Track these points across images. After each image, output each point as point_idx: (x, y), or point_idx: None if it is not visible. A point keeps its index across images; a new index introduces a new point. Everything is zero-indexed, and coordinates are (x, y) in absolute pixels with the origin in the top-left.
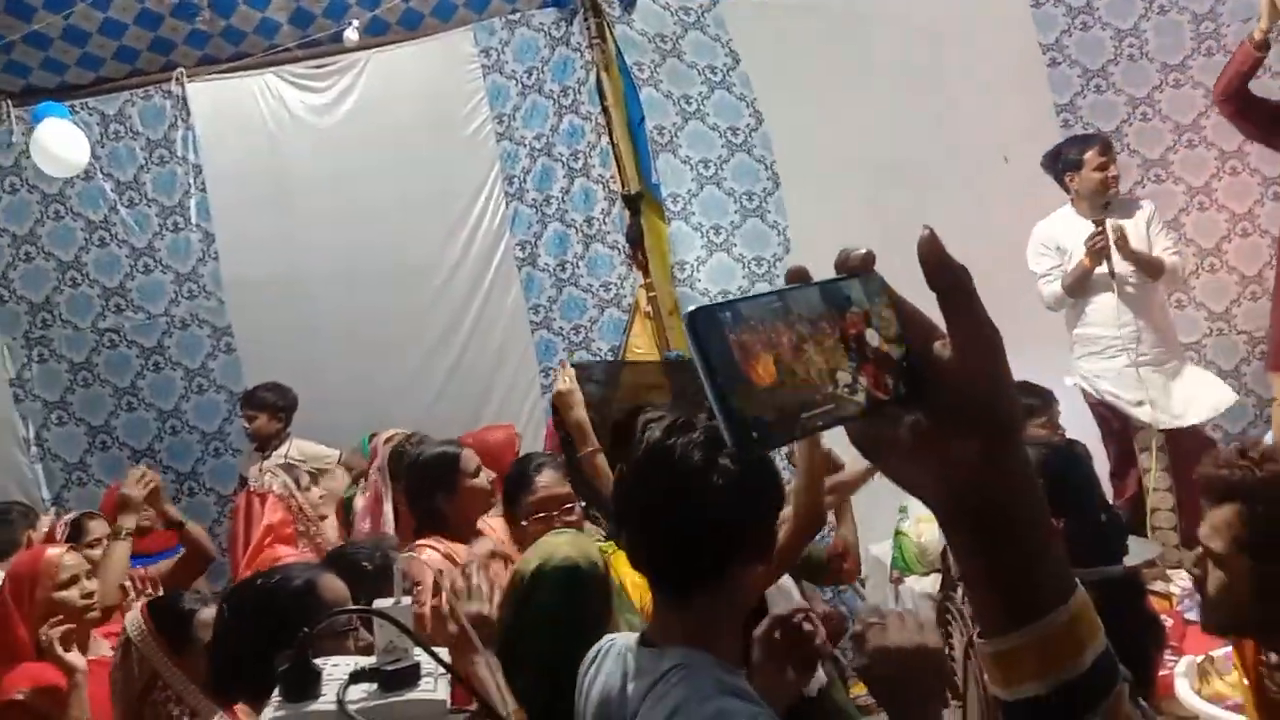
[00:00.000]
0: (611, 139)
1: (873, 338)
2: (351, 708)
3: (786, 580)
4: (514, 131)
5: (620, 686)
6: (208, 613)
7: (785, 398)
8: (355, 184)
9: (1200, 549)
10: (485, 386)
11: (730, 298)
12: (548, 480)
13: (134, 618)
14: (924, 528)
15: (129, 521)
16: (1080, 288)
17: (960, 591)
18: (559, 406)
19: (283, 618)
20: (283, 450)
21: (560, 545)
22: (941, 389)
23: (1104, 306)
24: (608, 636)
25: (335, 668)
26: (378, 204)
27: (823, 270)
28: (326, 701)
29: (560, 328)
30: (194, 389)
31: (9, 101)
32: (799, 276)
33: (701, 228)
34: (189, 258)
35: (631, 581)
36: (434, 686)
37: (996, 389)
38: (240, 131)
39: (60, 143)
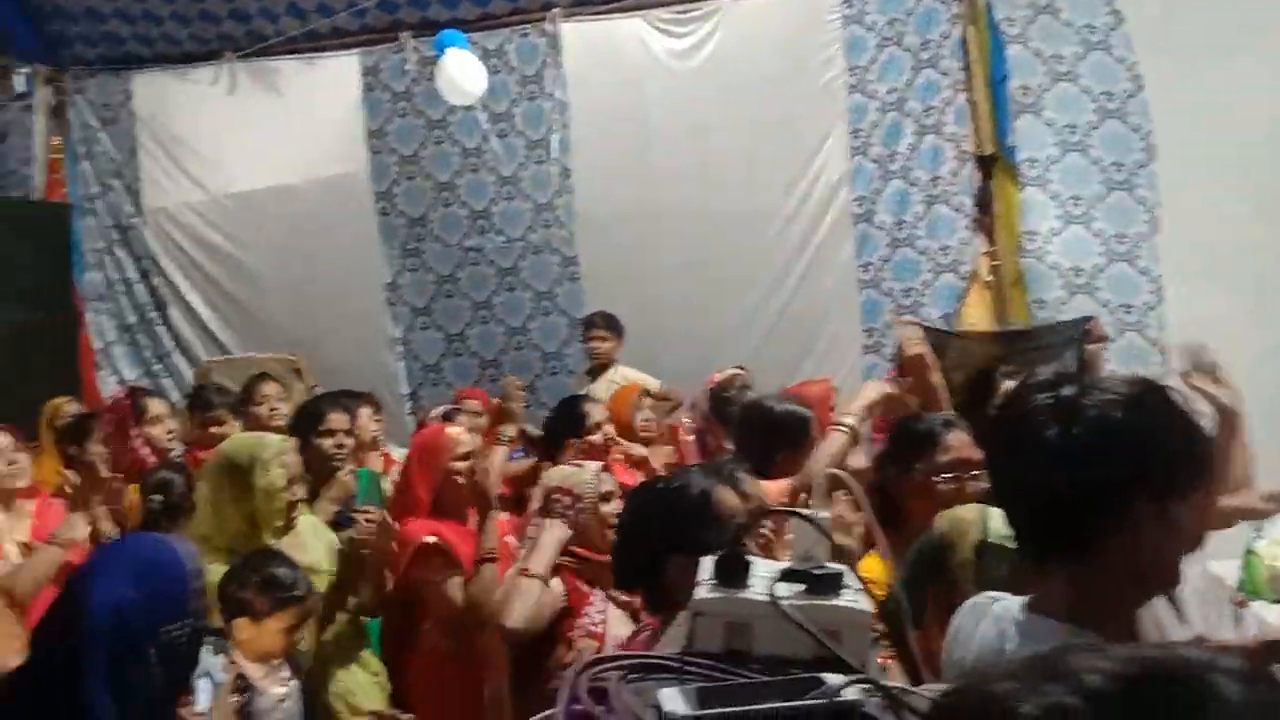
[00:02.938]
0: (970, 97)
1: None
2: (783, 602)
3: None
4: (867, 84)
5: (996, 649)
6: None
7: None
8: (709, 127)
9: None
10: (809, 338)
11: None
12: (959, 441)
13: None
14: None
15: (510, 430)
16: None
17: None
18: (913, 369)
19: (680, 522)
20: (609, 375)
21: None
22: None
23: None
24: (986, 594)
25: (760, 563)
26: (729, 147)
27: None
28: (757, 592)
29: (890, 289)
30: (540, 311)
31: (408, 33)
32: None
33: (1059, 197)
34: (547, 189)
35: None
36: (857, 600)
37: None
38: (605, 72)
39: (463, 73)
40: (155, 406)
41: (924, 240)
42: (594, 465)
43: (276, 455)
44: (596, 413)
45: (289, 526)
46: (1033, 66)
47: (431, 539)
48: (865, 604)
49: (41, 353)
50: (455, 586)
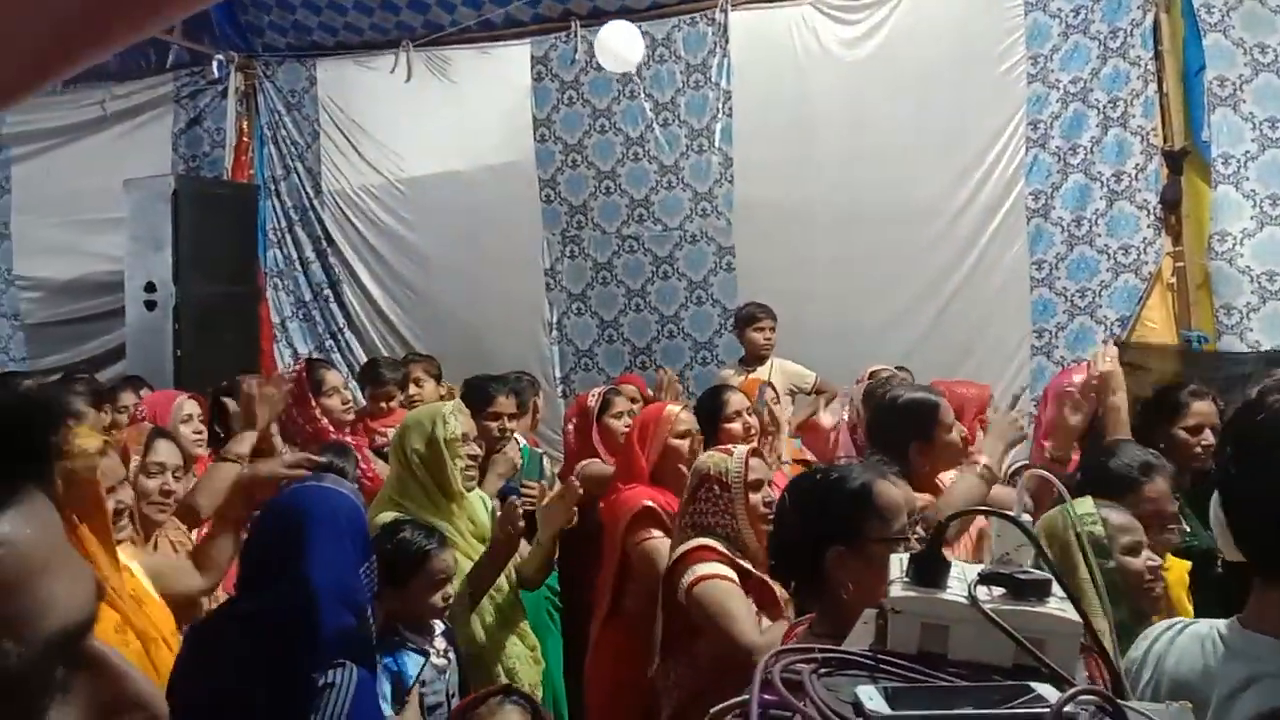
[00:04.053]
0: (1160, 88)
1: None
2: (985, 605)
3: None
4: (1048, 74)
5: (1201, 667)
6: None
7: None
8: (873, 118)
9: None
10: (971, 339)
11: None
12: (1158, 493)
13: None
14: None
15: None
16: None
17: None
18: (1100, 386)
19: (840, 513)
20: (764, 369)
21: None
22: None
23: None
24: (1178, 618)
25: (957, 565)
26: (893, 139)
27: None
28: (956, 594)
29: (1064, 288)
30: (693, 300)
31: (577, 21)
32: None
33: (1255, 196)
34: (707, 179)
35: None
36: (1065, 608)
37: None
38: (771, 61)
39: (620, 41)
40: (331, 379)
41: (1103, 238)
42: (742, 450)
43: (454, 410)
44: (735, 400)
45: (470, 483)
46: (1232, 57)
47: (649, 503)
48: (1073, 613)
49: (227, 324)
50: (662, 555)
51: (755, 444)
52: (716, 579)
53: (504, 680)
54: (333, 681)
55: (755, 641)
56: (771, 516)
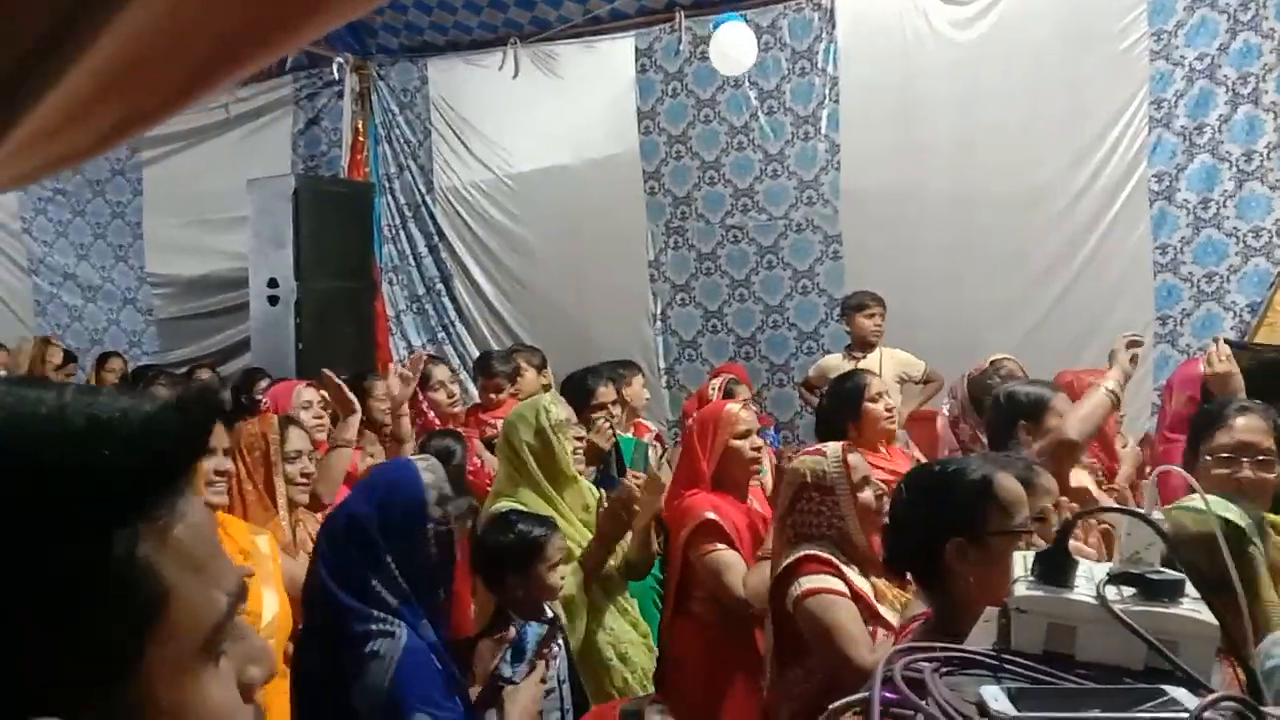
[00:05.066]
0: None
1: None
2: (1115, 605)
3: None
4: (1172, 50)
5: None
6: None
7: None
8: (984, 101)
9: None
10: (1090, 326)
11: None
12: (1248, 425)
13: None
14: None
15: None
16: None
17: None
18: (1214, 386)
19: (960, 505)
20: (873, 356)
21: None
22: None
23: None
24: None
25: (1084, 563)
26: (1005, 122)
27: None
28: (1083, 593)
29: (1189, 273)
30: (799, 289)
31: (681, 12)
32: None
33: None
34: (813, 166)
35: None
36: (1199, 609)
37: None
38: (879, 45)
39: (735, 44)
40: (438, 373)
41: (1232, 221)
42: (835, 448)
43: (554, 399)
44: (877, 382)
45: (579, 465)
46: None
47: (710, 515)
48: (1208, 614)
49: (344, 318)
50: (729, 568)
51: (893, 429)
52: (825, 593)
53: (616, 664)
54: (377, 650)
55: (867, 660)
56: (886, 512)
